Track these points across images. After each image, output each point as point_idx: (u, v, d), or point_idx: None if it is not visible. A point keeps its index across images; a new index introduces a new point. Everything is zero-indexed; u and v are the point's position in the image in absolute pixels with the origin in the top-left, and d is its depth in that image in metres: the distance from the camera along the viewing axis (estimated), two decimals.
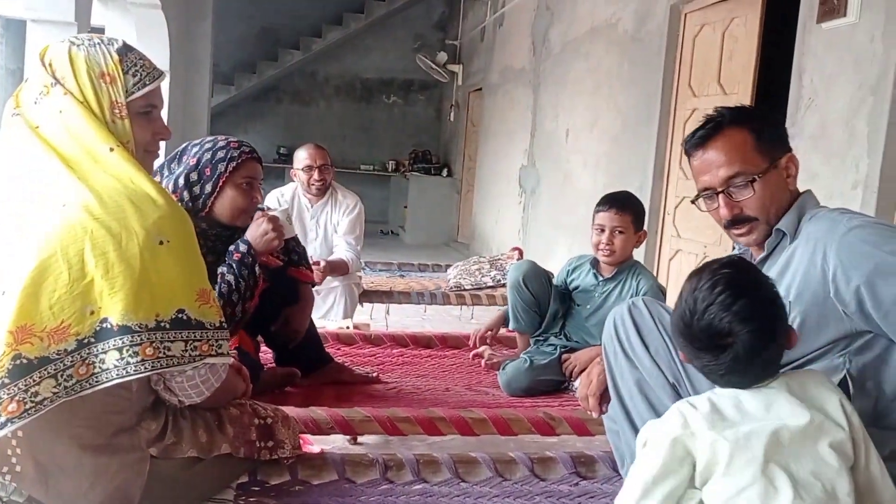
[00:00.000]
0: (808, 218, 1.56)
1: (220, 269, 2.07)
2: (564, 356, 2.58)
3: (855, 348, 1.43)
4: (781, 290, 1.36)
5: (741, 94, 3.70)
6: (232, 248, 2.10)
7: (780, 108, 3.27)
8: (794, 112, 3.16)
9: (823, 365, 1.44)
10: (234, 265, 2.07)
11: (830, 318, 1.43)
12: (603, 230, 2.59)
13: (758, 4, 3.59)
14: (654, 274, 4.30)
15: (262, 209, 2.26)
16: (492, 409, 2.16)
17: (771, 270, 1.54)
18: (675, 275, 4.14)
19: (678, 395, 1.56)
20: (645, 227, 2.64)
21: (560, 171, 5.94)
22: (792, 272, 1.51)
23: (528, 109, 6.87)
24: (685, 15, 4.20)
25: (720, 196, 1.60)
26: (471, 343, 2.89)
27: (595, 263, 2.71)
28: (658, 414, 1.53)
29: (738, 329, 1.22)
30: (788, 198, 1.60)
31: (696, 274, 1.29)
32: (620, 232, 2.57)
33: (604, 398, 1.78)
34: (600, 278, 2.67)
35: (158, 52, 6.97)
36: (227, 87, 10.14)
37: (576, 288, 2.77)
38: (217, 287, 2.03)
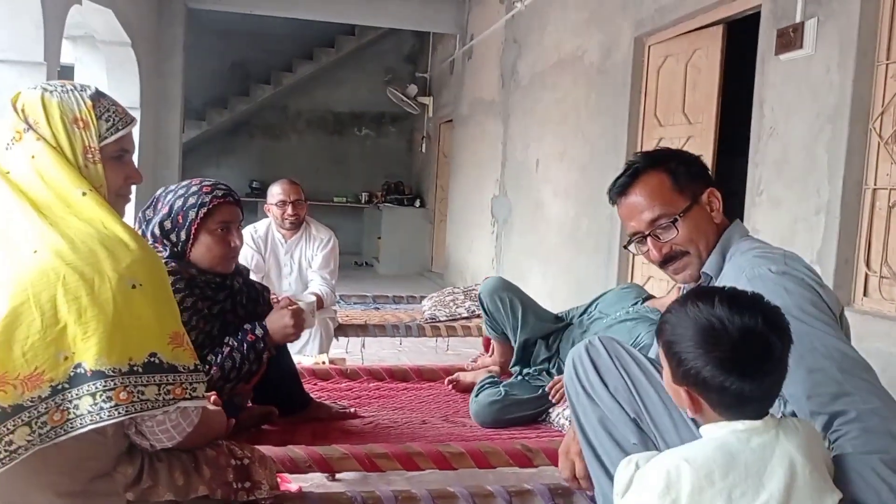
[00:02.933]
0: (728, 257, 1.62)
1: (227, 341, 2.03)
2: (553, 382, 2.54)
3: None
4: None
5: (705, 123, 3.79)
6: (248, 326, 2.07)
7: (744, 136, 3.35)
8: (757, 140, 3.25)
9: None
10: (244, 346, 2.04)
11: None
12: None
13: (718, 37, 3.69)
14: None
15: (290, 297, 2.23)
16: (469, 441, 2.16)
17: None
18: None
19: (640, 430, 1.59)
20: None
21: (531, 201, 6.00)
22: None
23: (498, 140, 6.95)
24: (649, 47, 4.30)
25: (648, 239, 1.67)
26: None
27: (646, 299, 2.77)
28: (623, 450, 1.55)
29: (769, 327, 1.19)
30: (715, 230, 1.67)
31: (694, 297, 1.26)
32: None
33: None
34: (641, 303, 2.72)
35: (129, 89, 6.99)
36: (198, 123, 10.13)
37: (593, 310, 2.80)
38: (219, 359, 2.00)
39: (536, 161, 5.94)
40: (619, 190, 1.71)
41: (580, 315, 2.87)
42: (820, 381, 1.32)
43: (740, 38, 3.74)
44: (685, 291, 1.67)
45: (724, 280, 1.58)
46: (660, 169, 1.67)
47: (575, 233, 5.09)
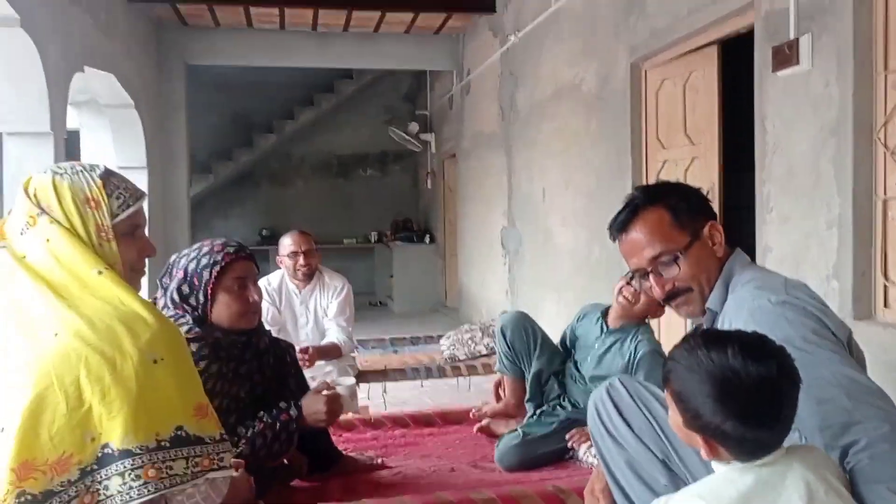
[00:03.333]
0: (731, 290, 1.61)
1: (262, 416, 2.03)
2: (571, 434, 2.52)
3: None
4: None
5: (708, 143, 3.80)
6: (283, 405, 2.08)
7: (749, 149, 3.35)
8: (762, 157, 3.24)
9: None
10: (277, 424, 2.03)
11: None
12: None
13: (714, 57, 3.71)
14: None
15: (328, 382, 2.23)
16: (500, 486, 2.14)
17: None
18: (665, 325, 4.16)
19: (669, 471, 1.57)
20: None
21: (540, 230, 6.01)
22: None
23: (502, 172, 6.98)
24: (645, 71, 4.32)
25: (650, 276, 1.66)
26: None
27: (605, 313, 2.72)
28: (654, 491, 1.54)
29: (781, 372, 1.18)
30: (717, 264, 1.65)
31: (703, 344, 1.24)
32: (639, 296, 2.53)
33: None
34: (604, 329, 2.68)
35: (135, 149, 7.08)
36: (205, 176, 10.23)
37: (576, 339, 2.79)
38: (251, 433, 2.00)
39: (543, 190, 5.96)
40: (619, 227, 1.71)
41: (567, 360, 2.85)
42: (829, 412, 1.30)
43: (736, 55, 3.75)
44: (691, 331, 1.66)
45: (728, 314, 1.56)
46: (659, 205, 1.66)
47: (587, 260, 5.07)
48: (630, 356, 2.55)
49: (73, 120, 6.64)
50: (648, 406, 1.62)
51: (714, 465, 1.25)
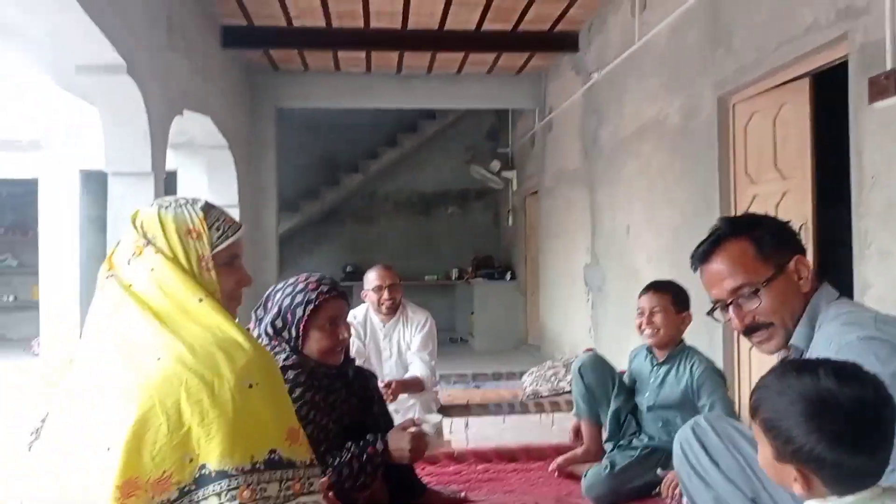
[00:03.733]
0: (818, 327, 1.56)
1: (349, 447, 2.08)
2: (664, 475, 2.50)
3: None
4: None
5: (800, 177, 3.69)
6: (370, 438, 2.12)
7: (845, 185, 3.24)
8: (859, 191, 3.13)
9: None
10: (364, 457, 2.08)
11: None
12: (643, 312, 2.70)
13: (805, 90, 3.62)
14: (732, 364, 4.19)
15: (414, 420, 2.28)
16: None
17: None
18: (756, 364, 4.03)
19: None
20: (690, 311, 2.69)
21: (625, 268, 5.92)
22: None
23: (585, 209, 6.94)
24: (733, 105, 4.25)
25: (730, 307, 1.63)
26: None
27: (651, 349, 2.82)
28: None
29: (880, 397, 1.12)
30: (802, 300, 1.60)
31: (793, 370, 1.19)
32: (658, 311, 2.72)
33: None
34: (655, 363, 2.72)
35: (228, 188, 7.36)
36: (293, 214, 10.53)
37: (635, 379, 2.83)
38: (338, 462, 2.05)
39: (627, 227, 5.89)
40: (700, 257, 1.69)
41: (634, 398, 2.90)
42: None
43: (828, 86, 3.66)
44: (778, 362, 1.61)
45: (815, 351, 1.51)
46: (743, 237, 1.64)
47: None
48: (687, 380, 2.64)
49: (170, 160, 6.98)
50: (737, 445, 1.58)
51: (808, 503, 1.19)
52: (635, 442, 2.70)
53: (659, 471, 2.52)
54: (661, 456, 2.57)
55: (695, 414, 2.57)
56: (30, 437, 1.49)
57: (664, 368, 2.74)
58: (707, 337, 4.43)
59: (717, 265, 1.65)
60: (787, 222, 1.72)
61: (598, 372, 2.88)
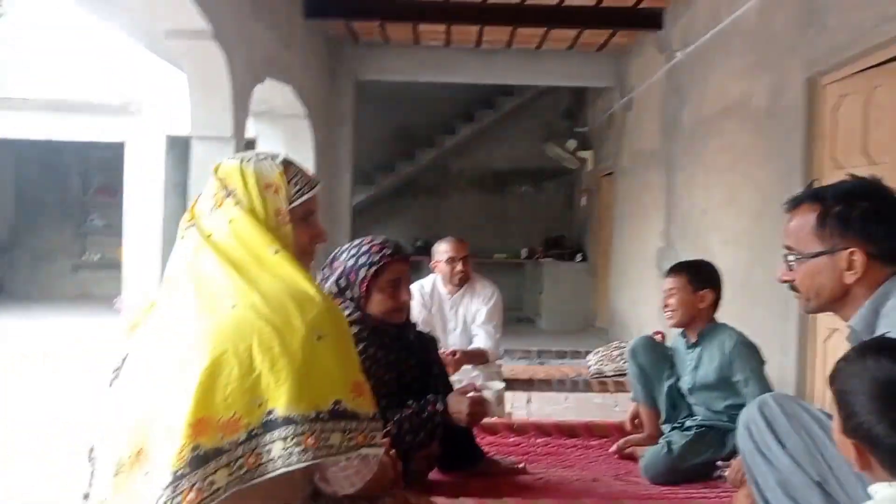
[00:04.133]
0: (883, 314, 1.52)
1: (410, 403, 2.12)
2: (724, 467, 2.47)
3: None
4: None
5: (891, 162, 3.53)
6: (431, 397, 2.16)
7: None
8: None
9: None
10: (424, 413, 2.12)
11: None
12: (664, 295, 2.79)
13: None
14: (808, 353, 4.07)
15: (475, 385, 2.30)
16: (644, 500, 2.09)
17: None
18: (832, 355, 3.90)
19: (826, 494, 1.48)
20: (711, 287, 2.72)
21: (699, 250, 5.79)
22: None
23: (661, 190, 6.80)
24: (824, 87, 4.09)
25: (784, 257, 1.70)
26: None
27: (684, 331, 2.83)
28: None
29: None
30: (838, 289, 1.59)
31: (870, 349, 1.19)
32: (674, 293, 2.74)
33: None
34: (689, 344, 2.79)
35: (305, 157, 7.48)
36: (367, 186, 10.65)
37: (675, 364, 2.83)
38: (399, 417, 2.09)
39: (703, 210, 5.75)
40: (787, 206, 1.74)
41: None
42: None
43: None
44: (862, 340, 1.55)
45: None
46: (816, 206, 1.63)
47: (747, 283, 4.84)
48: (720, 358, 2.63)
49: (250, 128, 7.14)
50: (806, 427, 1.55)
51: (871, 489, 1.17)
52: (689, 422, 2.68)
53: (720, 463, 2.49)
54: (715, 434, 2.58)
55: (733, 391, 2.55)
56: (111, 376, 1.56)
57: (697, 350, 2.73)
58: (782, 324, 4.31)
59: (788, 221, 1.70)
60: (877, 208, 1.61)
61: (651, 354, 2.85)
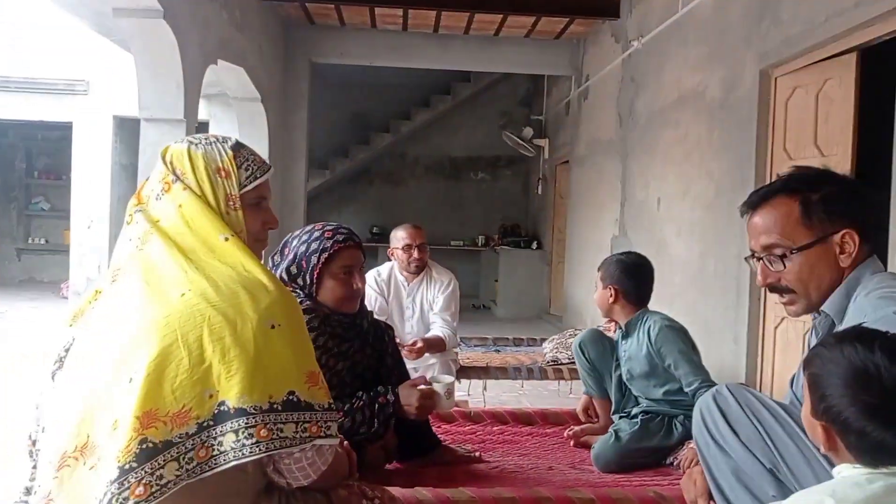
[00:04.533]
0: (854, 298, 1.51)
1: (360, 395, 2.10)
2: (678, 457, 2.51)
3: None
4: None
5: (840, 155, 3.60)
6: (381, 389, 2.14)
7: (886, 165, 3.16)
8: None
9: None
10: (375, 406, 2.10)
11: None
12: None
13: (852, 65, 3.52)
14: (758, 341, 4.15)
15: (426, 378, 2.30)
16: (598, 488, 2.10)
17: None
18: (781, 343, 3.98)
19: (778, 481, 1.50)
20: (612, 283, 2.77)
21: (653, 241, 5.86)
22: None
23: (616, 179, 6.86)
24: (775, 79, 4.15)
25: (759, 262, 1.61)
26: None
27: (619, 324, 2.87)
28: (760, 502, 1.47)
29: None
30: (837, 274, 1.56)
31: (849, 337, 1.20)
32: (596, 288, 2.84)
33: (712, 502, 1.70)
34: (621, 336, 2.82)
35: (258, 142, 7.36)
36: (321, 172, 10.53)
37: (618, 355, 2.86)
38: (349, 409, 2.07)
39: (658, 200, 5.81)
40: (749, 205, 1.67)
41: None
42: None
43: (876, 63, 3.55)
44: (832, 325, 1.57)
45: (847, 324, 1.48)
46: (795, 196, 1.58)
47: (701, 273, 4.91)
48: (648, 343, 2.64)
49: (202, 111, 7.00)
50: (758, 415, 1.56)
51: (836, 470, 1.20)
52: (634, 410, 2.71)
53: (672, 459, 2.51)
54: (661, 421, 2.60)
55: (669, 377, 2.58)
56: (53, 367, 1.50)
57: (627, 340, 2.76)
58: (734, 313, 4.38)
59: (760, 218, 1.62)
60: (860, 188, 1.63)
61: (598, 347, 2.87)
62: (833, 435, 1.18)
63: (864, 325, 1.28)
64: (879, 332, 1.20)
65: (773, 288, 1.61)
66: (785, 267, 1.56)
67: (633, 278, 2.76)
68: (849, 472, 1.18)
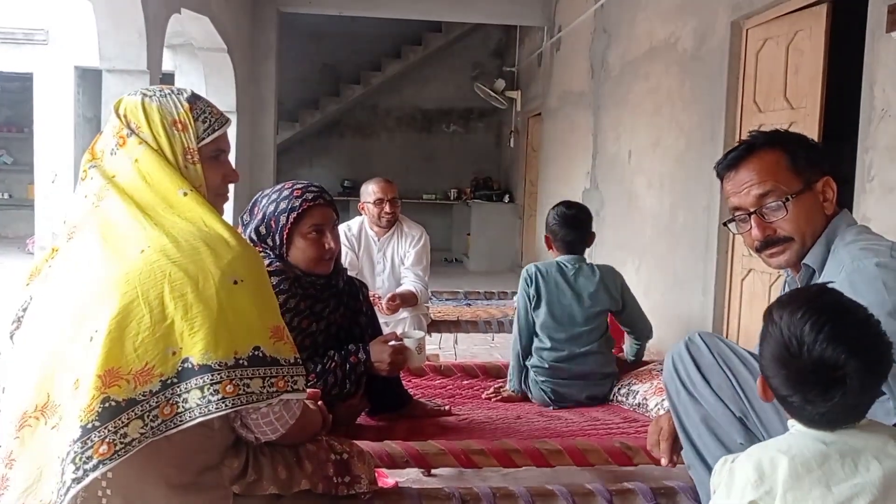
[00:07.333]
0: (833, 250, 1.53)
1: (332, 355, 2.09)
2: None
3: None
4: None
5: (809, 107, 3.61)
6: (352, 348, 2.13)
7: (852, 119, 3.18)
8: (868, 124, 3.07)
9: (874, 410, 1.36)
10: (347, 366, 2.09)
11: None
12: None
13: (822, 16, 3.51)
14: (725, 292, 4.21)
15: (396, 333, 2.28)
16: (566, 438, 2.13)
17: None
18: (747, 294, 4.04)
19: (746, 430, 1.53)
20: (547, 232, 2.90)
21: (624, 193, 5.88)
22: None
23: (588, 132, 6.84)
24: (746, 31, 4.13)
25: (752, 217, 1.59)
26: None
27: None
28: (728, 450, 1.49)
29: (853, 363, 1.11)
30: (823, 221, 1.58)
31: (791, 304, 1.19)
32: None
33: (676, 447, 1.72)
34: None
35: (225, 94, 7.22)
36: (291, 124, 10.38)
37: None
38: (320, 370, 2.06)
39: (629, 152, 5.82)
40: (730, 163, 1.64)
41: None
42: None
43: (846, 16, 3.54)
44: (799, 286, 1.58)
45: (827, 275, 1.50)
46: (778, 147, 1.60)
47: (671, 226, 4.95)
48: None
49: (167, 61, 6.83)
50: (729, 364, 1.57)
51: (790, 423, 1.22)
52: None
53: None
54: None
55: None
56: (11, 327, 1.47)
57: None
58: (702, 265, 4.43)
59: (746, 172, 1.60)
60: (819, 143, 1.68)
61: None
62: (769, 389, 1.22)
63: (832, 284, 1.29)
64: (819, 307, 1.17)
65: (769, 242, 1.59)
66: (787, 212, 1.55)
67: (563, 227, 2.83)
68: (799, 428, 1.20)
